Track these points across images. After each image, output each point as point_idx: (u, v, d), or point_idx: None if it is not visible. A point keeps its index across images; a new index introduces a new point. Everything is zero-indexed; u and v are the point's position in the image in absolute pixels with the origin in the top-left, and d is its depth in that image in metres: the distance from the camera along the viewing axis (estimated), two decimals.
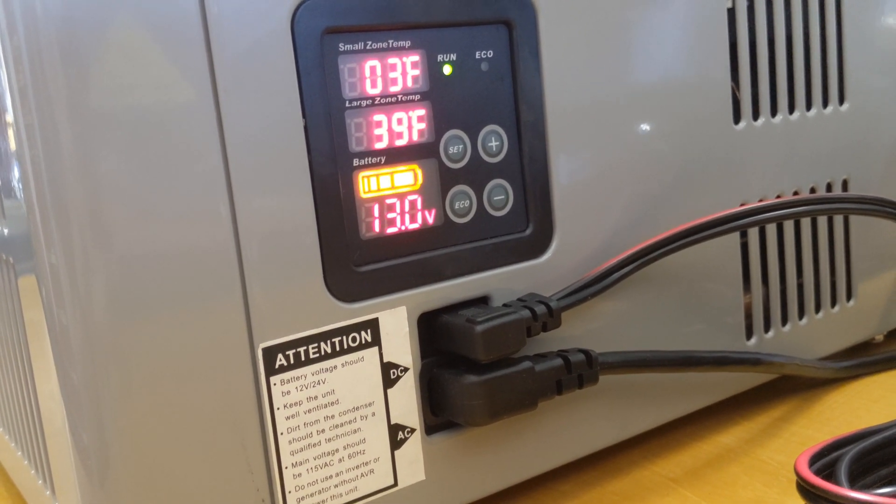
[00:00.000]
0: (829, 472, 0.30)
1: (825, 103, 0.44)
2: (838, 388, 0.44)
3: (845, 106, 0.45)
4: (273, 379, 0.29)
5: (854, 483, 0.30)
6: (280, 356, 0.29)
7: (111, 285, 0.26)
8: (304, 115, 0.29)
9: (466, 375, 0.31)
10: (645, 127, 0.37)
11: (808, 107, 0.43)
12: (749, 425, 0.41)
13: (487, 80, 0.33)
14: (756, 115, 0.41)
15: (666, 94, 0.38)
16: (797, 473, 0.29)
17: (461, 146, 0.33)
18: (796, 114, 0.43)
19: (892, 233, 0.47)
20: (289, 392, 0.29)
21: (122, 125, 0.26)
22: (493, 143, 0.33)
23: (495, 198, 0.33)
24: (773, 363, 0.41)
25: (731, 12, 0.40)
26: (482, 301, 0.33)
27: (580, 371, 0.33)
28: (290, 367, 0.29)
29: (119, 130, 0.26)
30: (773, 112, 0.42)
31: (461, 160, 0.33)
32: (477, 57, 0.33)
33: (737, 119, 0.40)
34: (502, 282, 0.33)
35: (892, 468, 0.31)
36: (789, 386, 0.44)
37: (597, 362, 0.34)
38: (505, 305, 0.33)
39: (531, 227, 0.34)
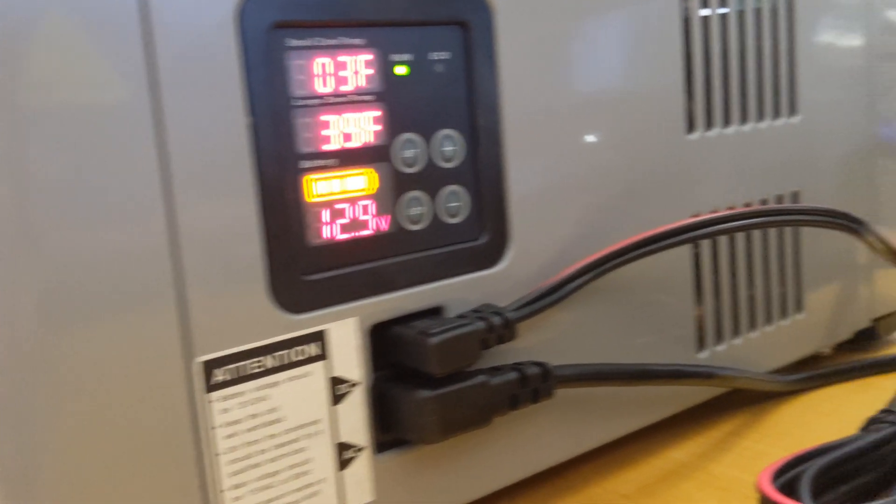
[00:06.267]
0: (790, 490, 0.29)
1: (777, 115, 0.44)
2: (788, 402, 0.44)
3: (797, 118, 0.45)
4: (211, 396, 0.27)
5: (816, 500, 0.29)
6: (219, 371, 0.27)
7: (39, 290, 0.24)
8: (249, 114, 0.27)
9: (419, 390, 0.30)
10: (599, 136, 0.36)
11: (761, 118, 0.43)
12: (701, 440, 0.41)
13: (443, 83, 0.32)
14: (709, 126, 0.41)
15: (620, 103, 0.37)
16: (760, 491, 0.29)
17: (415, 150, 0.31)
18: (749, 125, 0.42)
19: (838, 244, 0.47)
20: (228, 410, 0.27)
21: (54, 123, 0.24)
22: (449, 148, 0.32)
23: (450, 205, 0.32)
24: (725, 377, 0.40)
25: (686, 23, 0.39)
26: (435, 312, 0.32)
27: (535, 385, 0.32)
28: (229, 383, 0.27)
29: (50, 128, 0.24)
30: (726, 123, 0.41)
31: (415, 165, 0.31)
32: (433, 58, 0.31)
33: (690, 129, 0.40)
34: (457, 292, 0.32)
35: (852, 485, 0.31)
36: (739, 399, 0.44)
37: (552, 376, 0.33)
38: (460, 317, 0.31)
39: (486, 236, 0.33)
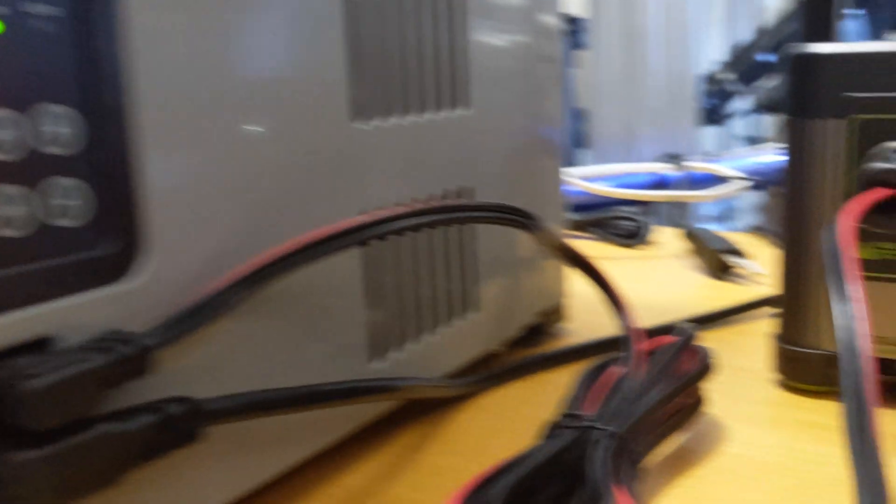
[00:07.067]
0: None
1: (448, 106, 0.42)
2: (464, 408, 0.42)
3: (469, 111, 0.43)
4: None
5: None
6: None
7: None
8: None
9: (17, 451, 0.22)
10: (258, 124, 0.31)
11: (432, 109, 0.40)
12: (378, 460, 0.37)
13: (50, 46, 0.24)
14: (378, 115, 0.37)
15: (280, 89, 0.32)
16: None
17: (11, 132, 0.24)
18: (420, 116, 0.39)
19: (506, 239, 0.47)
20: None
21: None
22: (61, 130, 0.25)
23: (61, 203, 0.25)
24: (404, 388, 0.37)
25: (357, 7, 0.35)
26: (41, 345, 0.24)
27: (180, 426, 0.26)
28: None
29: None
30: (398, 112, 0.38)
31: (11, 151, 0.24)
32: (38, 14, 0.24)
33: (357, 118, 0.36)
34: (71, 317, 0.25)
35: (539, 498, 0.29)
36: (414, 409, 0.41)
37: (201, 413, 0.27)
38: (76, 349, 0.24)
39: (113, 243, 0.26)
